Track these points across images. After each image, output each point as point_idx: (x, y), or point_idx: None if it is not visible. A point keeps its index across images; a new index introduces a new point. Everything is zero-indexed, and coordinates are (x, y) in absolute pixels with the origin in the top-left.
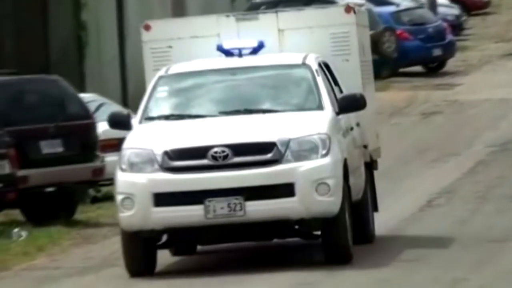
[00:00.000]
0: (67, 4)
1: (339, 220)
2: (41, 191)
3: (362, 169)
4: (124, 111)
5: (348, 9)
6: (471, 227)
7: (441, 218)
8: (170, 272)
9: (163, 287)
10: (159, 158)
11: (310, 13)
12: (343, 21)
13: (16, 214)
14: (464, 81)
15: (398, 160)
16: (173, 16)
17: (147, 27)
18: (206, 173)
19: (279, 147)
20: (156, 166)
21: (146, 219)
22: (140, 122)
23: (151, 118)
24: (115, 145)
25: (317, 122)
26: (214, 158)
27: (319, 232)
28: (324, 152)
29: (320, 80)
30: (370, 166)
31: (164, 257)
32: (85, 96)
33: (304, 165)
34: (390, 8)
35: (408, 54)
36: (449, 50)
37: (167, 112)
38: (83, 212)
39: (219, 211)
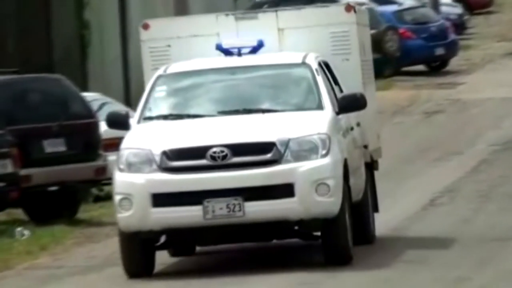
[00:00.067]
0: (70, 3)
1: (339, 220)
2: (44, 190)
3: (363, 169)
4: (123, 110)
5: (349, 8)
6: (474, 226)
7: (444, 217)
8: (169, 273)
9: None
10: (157, 158)
11: (310, 12)
12: (343, 20)
13: (19, 213)
14: (467, 80)
15: (401, 159)
16: (175, 15)
17: (146, 26)
18: (205, 174)
19: (279, 147)
20: (155, 166)
21: (144, 220)
22: (139, 122)
23: (150, 118)
24: (118, 144)
25: (317, 122)
26: (213, 158)
27: (319, 233)
28: (324, 152)
29: (320, 79)
30: (371, 166)
31: (162, 258)
32: (87, 95)
33: (304, 165)
34: (393, 7)
35: (410, 53)
36: (452, 49)
37: (165, 111)
38: (86, 211)
39: (218, 211)
